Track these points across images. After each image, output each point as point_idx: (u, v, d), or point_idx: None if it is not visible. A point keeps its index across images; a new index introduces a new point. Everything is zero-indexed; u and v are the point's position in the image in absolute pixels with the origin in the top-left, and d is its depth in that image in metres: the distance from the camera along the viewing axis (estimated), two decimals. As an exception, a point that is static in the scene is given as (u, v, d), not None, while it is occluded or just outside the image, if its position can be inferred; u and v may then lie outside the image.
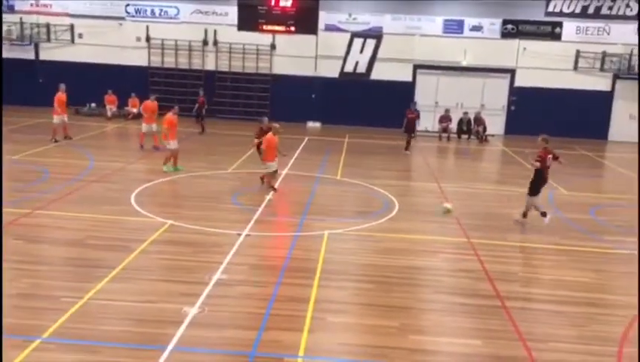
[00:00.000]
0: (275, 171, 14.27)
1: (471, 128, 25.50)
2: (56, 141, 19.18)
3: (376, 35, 26.49)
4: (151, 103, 19.01)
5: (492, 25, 26.15)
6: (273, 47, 26.78)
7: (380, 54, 26.60)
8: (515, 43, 26.15)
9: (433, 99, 26.95)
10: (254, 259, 9.90)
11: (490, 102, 26.80)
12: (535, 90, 26.08)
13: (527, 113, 25.99)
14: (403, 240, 11.09)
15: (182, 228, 11.01)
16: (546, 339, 7.45)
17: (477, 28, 26.21)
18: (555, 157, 12.24)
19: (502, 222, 12.67)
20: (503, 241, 11.33)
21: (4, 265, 8.93)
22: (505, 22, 26.03)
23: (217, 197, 13.58)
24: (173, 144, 15.76)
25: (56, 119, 19.43)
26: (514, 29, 26.09)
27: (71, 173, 15.01)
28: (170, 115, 15.86)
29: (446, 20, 26.23)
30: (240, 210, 12.59)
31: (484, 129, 25.15)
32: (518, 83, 26.59)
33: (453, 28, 26.28)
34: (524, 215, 12.38)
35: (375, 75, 26.74)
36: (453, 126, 25.45)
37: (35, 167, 15.68)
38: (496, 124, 26.55)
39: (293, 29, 25.98)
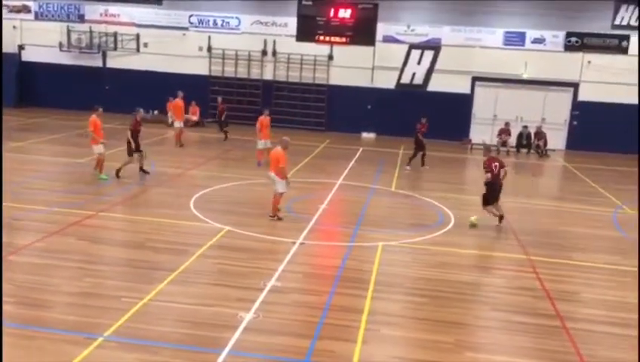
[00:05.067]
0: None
1: (531, 142, 24.89)
2: (181, 146, 20.88)
3: (435, 46, 26.28)
4: (264, 119, 18.33)
5: (555, 37, 25.50)
6: (330, 57, 26.97)
7: (438, 66, 26.36)
8: (579, 56, 25.39)
9: (492, 112, 26.46)
10: (308, 267, 9.95)
11: (552, 116, 26.07)
12: (599, 104, 25.21)
13: (591, 128, 25.15)
14: (458, 255, 10.92)
15: (238, 235, 11.18)
16: (609, 364, 7.16)
17: (539, 40, 25.61)
18: (502, 165, 12.72)
19: (562, 240, 12.29)
20: (563, 260, 10.97)
21: (69, 264, 9.34)
22: (569, 34, 25.33)
23: (273, 205, 13.71)
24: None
25: (176, 124, 21.14)
26: (578, 42, 25.34)
27: (133, 178, 15.51)
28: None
29: (507, 32, 25.75)
30: (294, 219, 12.68)
31: (545, 143, 24.50)
32: (581, 97, 25.78)
33: (514, 40, 25.77)
34: (500, 219, 12.78)
35: (432, 87, 26.50)
36: (513, 139, 24.90)
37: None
38: (557, 139, 25.82)
39: (351, 40, 26.06)
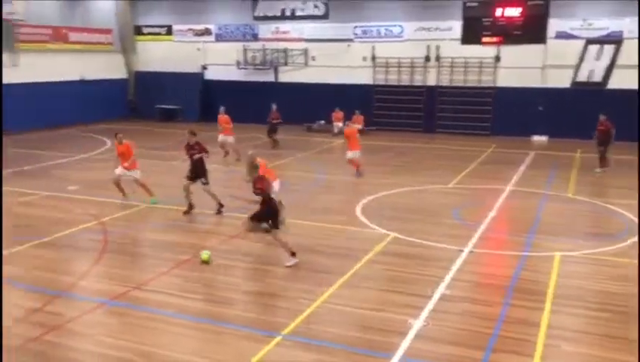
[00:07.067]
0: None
1: None
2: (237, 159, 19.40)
3: (616, 40, 24.06)
4: (349, 130, 17.89)
5: None
6: (497, 59, 25.95)
7: (620, 61, 24.08)
8: None
9: (687, 109, 23.54)
10: (478, 276, 9.66)
11: None
12: None
13: None
14: (650, 268, 9.84)
15: (405, 241, 11.19)
16: None
17: None
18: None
19: None
20: None
21: (248, 265, 10.04)
22: None
23: (439, 211, 13.53)
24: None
25: (220, 138, 20.21)
26: None
27: (301, 185, 16.27)
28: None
29: None
30: (462, 226, 12.38)
31: None
32: None
33: None
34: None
35: (613, 84, 24.27)
36: None
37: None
38: None
39: (519, 39, 24.89)
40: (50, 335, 7.36)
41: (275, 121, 22.86)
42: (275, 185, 12.22)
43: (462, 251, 10.57)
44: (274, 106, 22.99)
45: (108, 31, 30.97)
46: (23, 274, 9.44)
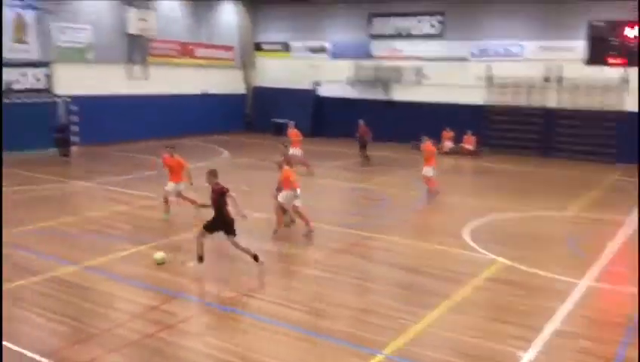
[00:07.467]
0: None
1: None
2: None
3: None
4: (431, 146, 17.27)
5: None
6: (625, 81, 24.31)
7: None
8: None
9: None
10: (594, 312, 9.05)
11: None
12: None
13: None
14: None
15: (515, 269, 10.72)
16: None
17: None
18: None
19: None
20: None
21: (350, 280, 10.09)
22: None
23: (553, 239, 12.89)
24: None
25: (290, 151, 19.30)
26: None
27: (406, 203, 16.12)
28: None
29: None
30: (578, 256, 11.68)
31: None
32: None
33: None
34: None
35: None
36: None
37: (376, 194, 17.40)
38: None
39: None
40: (164, 332, 7.80)
41: (363, 137, 22.75)
42: (290, 195, 12.27)
43: (577, 283, 9.95)
44: (361, 121, 22.89)
45: (230, 48, 32.61)
46: (142, 274, 10.10)
